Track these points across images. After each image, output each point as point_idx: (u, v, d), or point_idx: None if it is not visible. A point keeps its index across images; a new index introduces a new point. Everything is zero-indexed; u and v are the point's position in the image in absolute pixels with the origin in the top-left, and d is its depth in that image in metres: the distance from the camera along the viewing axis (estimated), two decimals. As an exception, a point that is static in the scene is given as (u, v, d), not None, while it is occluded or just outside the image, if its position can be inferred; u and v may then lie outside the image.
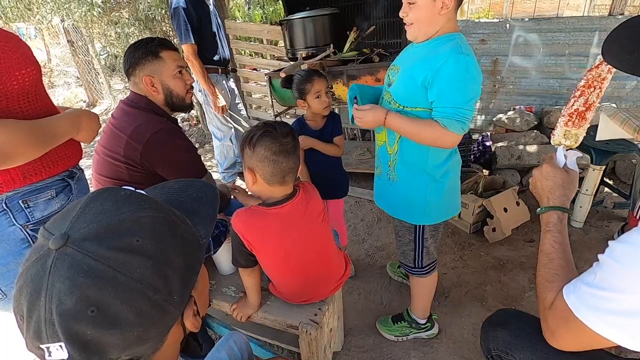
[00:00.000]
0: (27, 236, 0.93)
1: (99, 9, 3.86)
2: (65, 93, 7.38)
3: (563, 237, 0.86)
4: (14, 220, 0.91)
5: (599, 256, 0.69)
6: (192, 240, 0.55)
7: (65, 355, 0.42)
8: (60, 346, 0.41)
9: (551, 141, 1.01)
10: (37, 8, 4.07)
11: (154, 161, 1.32)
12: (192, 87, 1.48)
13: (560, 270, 0.81)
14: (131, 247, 0.45)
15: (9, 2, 4.03)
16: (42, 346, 0.42)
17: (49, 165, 0.94)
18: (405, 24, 1.22)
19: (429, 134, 1.18)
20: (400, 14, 1.21)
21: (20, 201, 0.91)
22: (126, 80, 1.48)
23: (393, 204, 1.42)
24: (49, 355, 0.42)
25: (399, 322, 1.66)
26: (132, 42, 1.50)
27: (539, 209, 0.93)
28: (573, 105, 0.93)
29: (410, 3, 1.17)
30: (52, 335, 0.42)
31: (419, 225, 1.38)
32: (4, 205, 0.91)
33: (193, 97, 4.49)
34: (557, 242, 0.85)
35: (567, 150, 0.96)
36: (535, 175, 0.95)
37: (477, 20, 3.78)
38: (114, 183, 1.42)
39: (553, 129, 1.00)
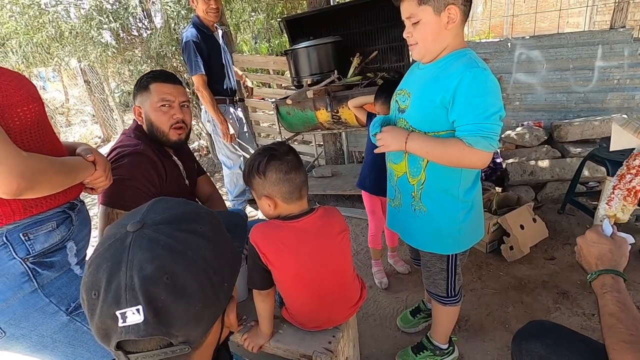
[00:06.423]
0: (27, 269, 0.90)
1: (113, 49, 4.07)
2: (81, 130, 7.66)
3: (625, 296, 0.76)
4: (14, 254, 0.89)
5: None
6: (233, 245, 0.61)
7: (141, 319, 0.45)
8: (138, 310, 0.45)
9: (601, 211, 0.92)
10: (55, 51, 4.29)
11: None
12: (183, 125, 1.44)
13: (635, 330, 0.71)
14: (197, 231, 0.53)
15: (30, 48, 4.27)
16: (119, 312, 0.45)
17: (50, 196, 0.93)
18: (410, 44, 1.16)
19: (454, 153, 1.09)
20: (404, 35, 1.15)
21: (20, 234, 0.89)
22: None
23: (421, 237, 1.33)
24: (124, 321, 0.45)
25: (421, 353, 1.56)
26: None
27: (588, 275, 0.84)
28: (631, 182, 0.89)
29: (413, 23, 1.11)
30: (131, 299, 0.45)
31: (451, 254, 1.31)
32: (4, 239, 0.88)
33: (202, 127, 4.51)
34: (620, 301, 0.76)
35: (614, 226, 0.89)
36: (579, 243, 0.89)
37: (478, 41, 3.85)
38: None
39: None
